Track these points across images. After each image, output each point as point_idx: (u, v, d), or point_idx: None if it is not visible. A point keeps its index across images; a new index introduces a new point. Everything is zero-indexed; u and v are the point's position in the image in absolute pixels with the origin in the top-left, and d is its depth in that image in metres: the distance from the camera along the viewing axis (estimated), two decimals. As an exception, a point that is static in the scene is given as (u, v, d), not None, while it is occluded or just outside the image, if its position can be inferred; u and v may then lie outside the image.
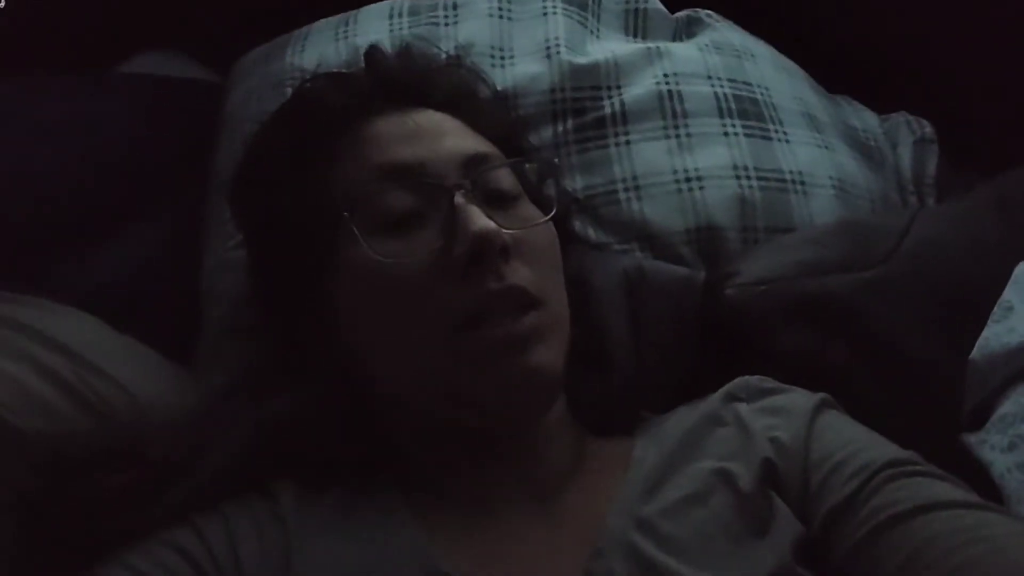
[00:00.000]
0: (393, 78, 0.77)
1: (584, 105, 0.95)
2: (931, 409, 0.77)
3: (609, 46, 1.00)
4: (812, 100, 1.03)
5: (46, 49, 1.10)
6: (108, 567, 0.62)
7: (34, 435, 0.68)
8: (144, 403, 0.74)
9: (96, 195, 0.96)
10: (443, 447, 0.69)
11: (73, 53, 1.12)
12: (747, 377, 0.73)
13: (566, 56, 0.97)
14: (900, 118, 1.08)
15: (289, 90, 0.87)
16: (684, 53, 1.00)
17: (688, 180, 0.91)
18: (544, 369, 0.65)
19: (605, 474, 0.68)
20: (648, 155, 0.92)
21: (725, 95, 0.97)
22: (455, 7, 1.01)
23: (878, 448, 0.64)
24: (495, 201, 0.69)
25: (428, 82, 0.77)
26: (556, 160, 0.91)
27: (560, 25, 0.99)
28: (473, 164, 0.70)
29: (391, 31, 1.00)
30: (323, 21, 1.04)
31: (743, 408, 0.70)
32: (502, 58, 0.98)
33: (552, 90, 0.95)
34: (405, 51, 0.82)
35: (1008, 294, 0.78)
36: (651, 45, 1.01)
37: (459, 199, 0.66)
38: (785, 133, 0.96)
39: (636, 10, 1.06)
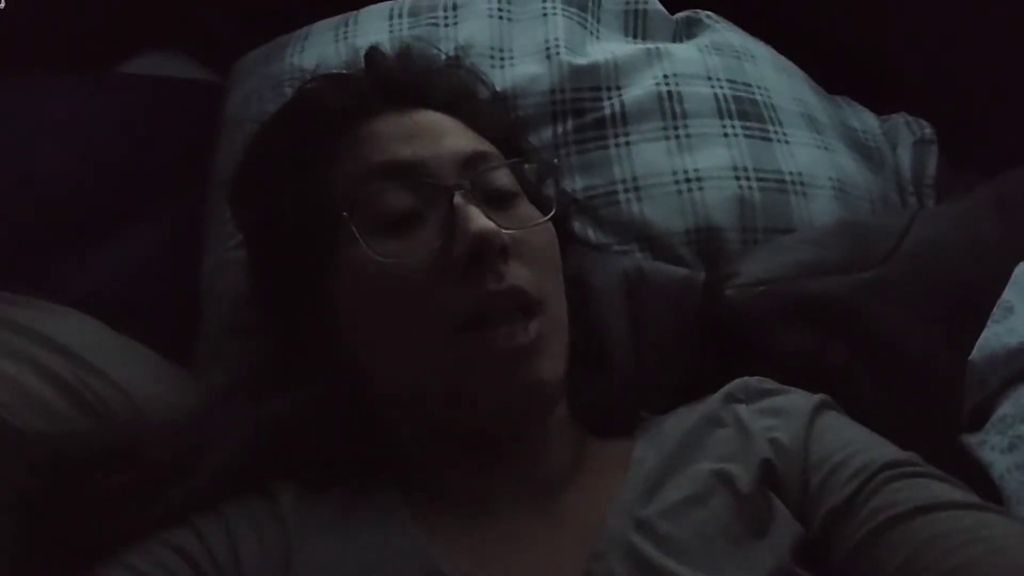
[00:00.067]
0: (393, 79, 0.77)
1: (584, 106, 0.95)
2: (931, 410, 0.77)
3: (609, 47, 1.00)
4: (812, 101, 1.03)
5: (46, 49, 1.10)
6: (108, 567, 0.62)
7: (34, 435, 0.68)
8: (144, 403, 0.74)
9: (96, 195, 0.96)
10: (443, 447, 0.69)
11: (73, 53, 1.12)
12: (746, 378, 0.73)
13: (566, 57, 0.97)
14: (900, 119, 1.08)
15: (289, 91, 0.87)
16: (684, 54, 1.00)
17: (688, 181, 0.91)
18: (547, 382, 0.65)
19: (605, 475, 0.68)
20: (648, 156, 0.92)
21: (725, 96, 0.97)
22: (455, 8, 1.01)
23: (878, 449, 0.64)
24: (494, 201, 0.69)
25: (428, 83, 0.77)
26: (555, 161, 0.91)
27: (560, 26, 0.99)
28: (473, 164, 0.70)
29: (391, 32, 1.00)
30: (323, 22, 1.04)
31: (742, 409, 0.70)
32: (502, 59, 0.98)
33: (552, 91, 0.95)
34: (405, 52, 0.82)
35: (1008, 295, 0.78)
36: (651, 46, 1.01)
37: (458, 199, 0.66)
38: (785, 134, 0.97)
39: (636, 11, 1.06)
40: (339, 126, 0.72)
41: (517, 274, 0.66)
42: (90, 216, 0.94)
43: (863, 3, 1.15)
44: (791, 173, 0.94)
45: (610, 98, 0.95)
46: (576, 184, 0.92)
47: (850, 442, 0.65)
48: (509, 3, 1.02)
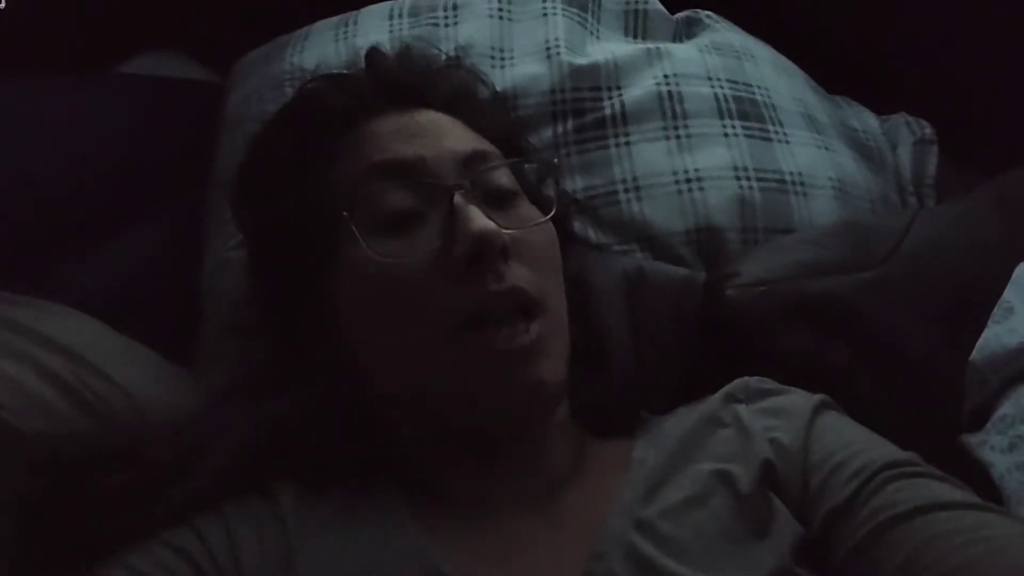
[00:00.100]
0: (393, 79, 0.77)
1: (584, 106, 0.95)
2: (931, 410, 0.77)
3: (609, 47, 1.00)
4: (812, 101, 1.03)
5: (46, 49, 1.10)
6: (108, 567, 0.62)
7: (34, 436, 0.68)
8: (144, 404, 0.74)
9: (96, 195, 0.96)
10: (443, 447, 0.69)
11: (73, 53, 1.12)
12: (747, 378, 0.73)
13: (566, 57, 0.97)
14: (900, 119, 1.08)
15: (289, 91, 0.87)
16: (684, 54, 1.00)
17: (688, 181, 0.91)
18: (548, 382, 0.65)
19: (605, 475, 0.68)
20: (648, 156, 0.92)
21: (725, 96, 0.97)
22: (455, 8, 1.01)
23: (878, 449, 0.64)
24: (495, 201, 0.69)
25: (428, 83, 0.77)
26: (556, 160, 0.91)
27: (560, 26, 0.99)
28: (473, 164, 0.70)
29: (391, 32, 1.00)
30: (323, 22, 1.04)
31: (743, 409, 0.70)
32: (502, 59, 0.98)
33: (552, 91, 0.95)
34: (405, 52, 0.82)
35: (1008, 295, 0.78)
36: (651, 46, 1.01)
37: (459, 199, 0.66)
38: (785, 134, 0.97)
39: (636, 11, 1.06)
40: (340, 126, 0.73)
41: (517, 274, 0.66)
42: (90, 216, 0.94)
43: (863, 3, 1.15)
44: (791, 173, 0.94)
45: (610, 98, 0.95)
46: (576, 184, 0.92)
47: (850, 442, 0.65)
48: (509, 3, 1.02)
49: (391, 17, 1.02)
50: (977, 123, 1.09)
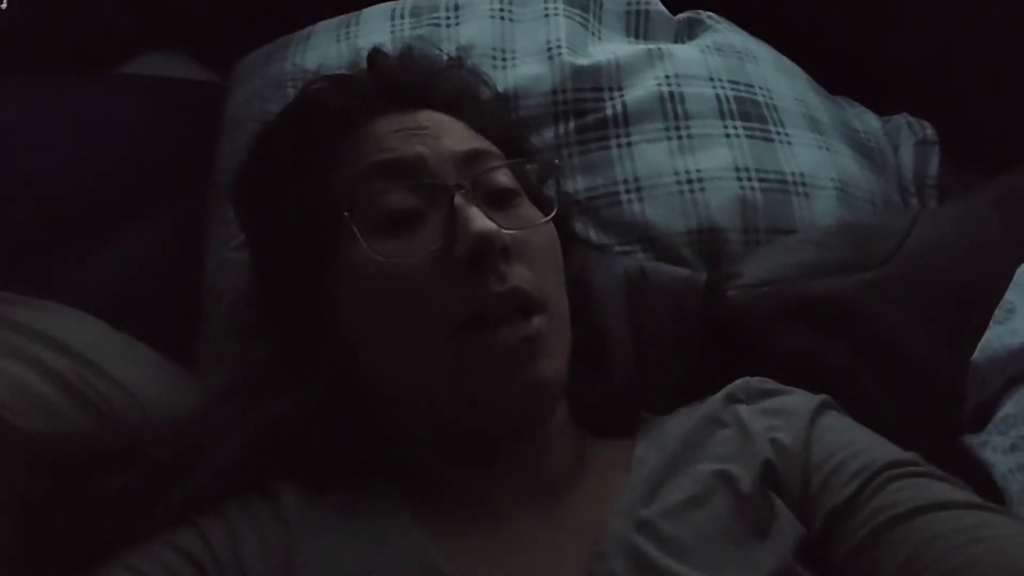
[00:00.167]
0: (395, 80, 0.77)
1: (585, 106, 0.95)
2: (932, 410, 0.77)
3: (610, 47, 1.00)
4: (813, 101, 1.03)
5: (46, 49, 1.10)
6: (109, 567, 0.62)
7: (35, 435, 0.68)
8: (145, 403, 0.74)
9: (96, 195, 0.96)
10: (444, 448, 0.68)
11: (74, 53, 1.12)
12: (747, 378, 0.73)
13: (567, 57, 0.97)
14: (901, 119, 1.08)
15: (291, 91, 0.88)
16: (685, 55, 1.00)
17: (690, 181, 0.91)
18: (548, 381, 0.65)
19: (606, 475, 0.68)
20: (650, 156, 0.92)
21: (727, 97, 0.97)
22: (456, 8, 1.01)
23: (879, 449, 0.64)
24: (495, 201, 0.69)
25: (429, 83, 0.77)
26: (557, 161, 0.91)
27: (561, 26, 0.99)
28: (474, 164, 0.70)
29: (393, 32, 1.00)
30: (325, 22, 1.04)
31: (743, 410, 0.70)
32: (503, 59, 0.98)
33: (553, 91, 0.95)
34: (407, 53, 0.82)
35: (1010, 296, 0.78)
36: (652, 46, 1.01)
37: (459, 199, 0.66)
38: (787, 135, 0.96)
39: (637, 11, 1.06)
40: (341, 126, 0.73)
41: (518, 274, 0.66)
42: (90, 216, 0.94)
43: (864, 3, 1.15)
44: (793, 174, 0.94)
45: (612, 99, 0.95)
46: (578, 184, 0.92)
47: (851, 442, 0.65)
48: (511, 4, 1.02)
49: (393, 18, 1.02)
50: (978, 123, 1.09)
